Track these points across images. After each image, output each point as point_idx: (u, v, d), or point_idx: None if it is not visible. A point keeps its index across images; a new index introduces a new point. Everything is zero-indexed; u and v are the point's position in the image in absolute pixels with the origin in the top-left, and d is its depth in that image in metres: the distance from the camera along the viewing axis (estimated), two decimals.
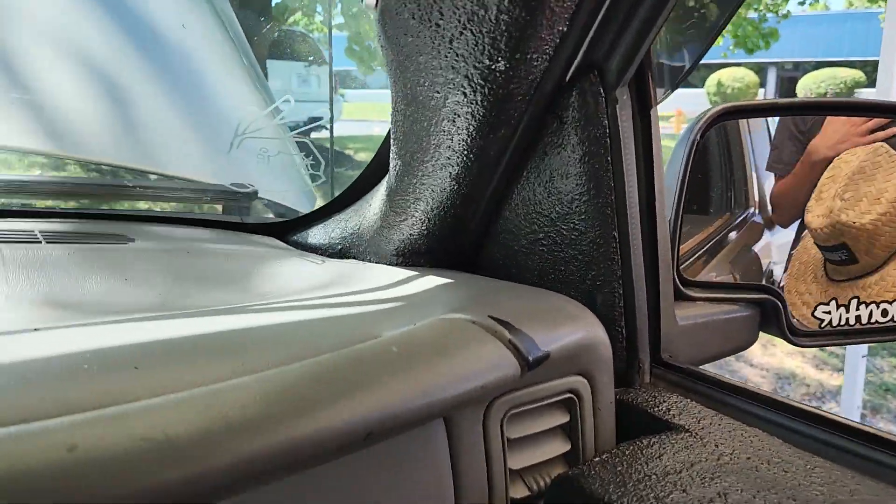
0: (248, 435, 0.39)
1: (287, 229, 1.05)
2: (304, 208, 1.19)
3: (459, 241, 0.79)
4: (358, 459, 0.50)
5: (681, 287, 0.83)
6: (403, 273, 0.76)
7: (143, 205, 1.13)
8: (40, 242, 0.84)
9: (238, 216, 1.12)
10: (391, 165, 0.76)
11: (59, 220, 0.92)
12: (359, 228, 0.88)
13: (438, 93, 0.63)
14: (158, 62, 1.16)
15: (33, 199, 0.95)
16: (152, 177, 1.07)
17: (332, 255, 0.94)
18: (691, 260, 1.01)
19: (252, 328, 0.57)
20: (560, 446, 0.63)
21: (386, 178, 0.80)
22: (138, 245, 0.89)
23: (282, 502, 0.46)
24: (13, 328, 0.55)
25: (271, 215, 1.20)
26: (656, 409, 0.67)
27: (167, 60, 1.18)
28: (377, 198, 0.84)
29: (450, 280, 0.72)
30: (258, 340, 0.54)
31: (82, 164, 1.08)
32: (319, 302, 0.68)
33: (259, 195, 1.12)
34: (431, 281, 0.72)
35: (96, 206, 1.00)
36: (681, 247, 0.89)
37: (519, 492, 0.60)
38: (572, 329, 0.63)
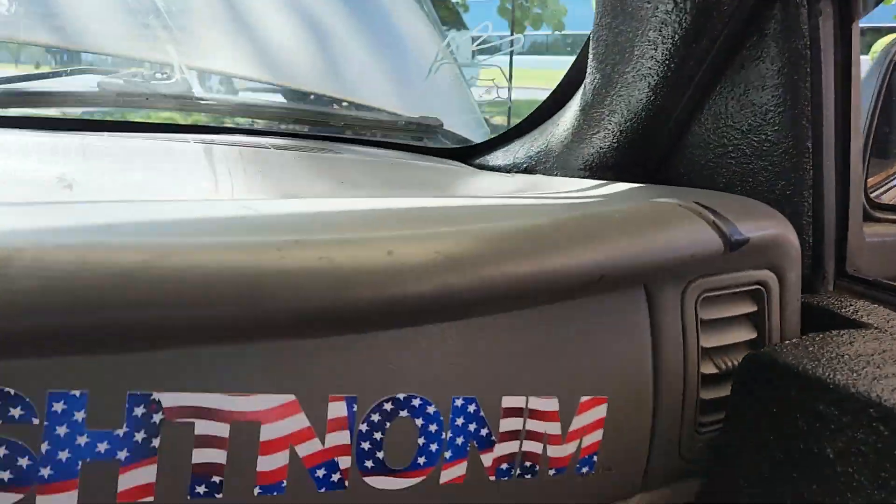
0: (511, 259, 0.47)
1: (469, 154, 1.14)
2: (477, 138, 1.27)
3: (647, 155, 0.84)
4: (577, 310, 0.58)
5: (868, 208, 0.84)
6: (595, 182, 0.83)
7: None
8: (269, 149, 0.97)
9: (421, 143, 1.22)
10: (588, 81, 0.82)
11: (280, 137, 1.06)
12: (546, 146, 0.95)
13: (649, 2, 0.69)
14: (357, 5, 1.29)
15: (259, 119, 1.09)
16: (348, 104, 1.18)
17: (515, 174, 1.01)
18: (876, 194, 1.01)
19: (475, 206, 0.66)
20: (747, 333, 0.68)
21: (579, 95, 0.87)
22: (347, 157, 1.00)
23: (517, 329, 0.55)
24: None
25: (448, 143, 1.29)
26: (842, 310, 0.70)
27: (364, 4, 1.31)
28: (567, 115, 0.90)
29: (641, 185, 0.78)
30: (484, 210, 0.63)
31: (294, 92, 1.22)
32: (522, 199, 0.76)
33: (442, 126, 1.22)
34: (624, 187, 0.78)
35: (309, 130, 1.13)
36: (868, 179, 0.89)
37: (708, 369, 0.66)
38: (766, 224, 0.67)
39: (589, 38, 0.83)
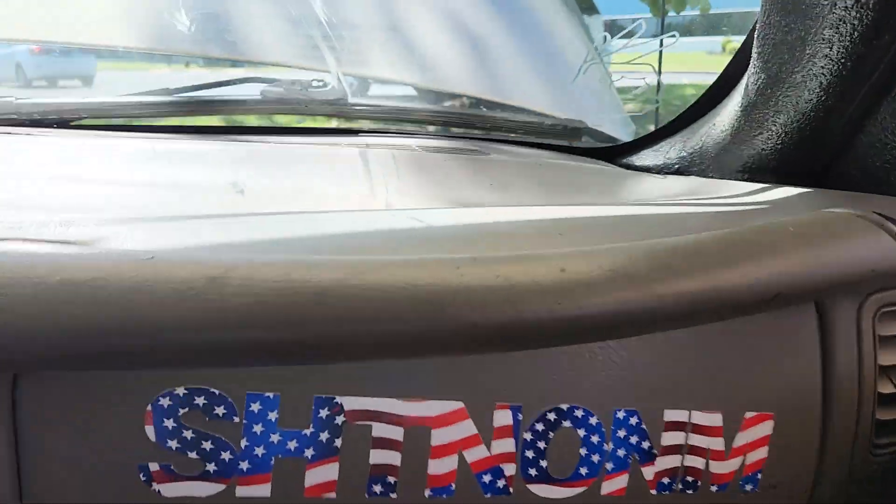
0: (684, 276, 0.47)
1: (616, 153, 1.12)
2: (623, 137, 1.25)
3: (813, 156, 0.80)
4: (742, 325, 0.56)
5: None
6: (758, 186, 0.80)
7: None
8: (418, 151, 1.00)
9: (566, 142, 1.21)
10: (751, 81, 0.79)
11: (426, 137, 1.09)
12: (700, 147, 0.92)
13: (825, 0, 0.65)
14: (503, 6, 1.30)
15: (409, 121, 1.13)
16: (495, 107, 1.20)
17: (667, 174, 0.99)
18: None
19: (641, 214, 0.65)
20: None
21: (738, 94, 0.83)
22: (494, 158, 1.02)
23: (680, 342, 0.54)
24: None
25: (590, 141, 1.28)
26: None
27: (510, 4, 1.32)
28: (725, 115, 0.87)
29: (809, 191, 0.75)
30: (651, 219, 0.62)
31: (440, 94, 1.25)
32: (684, 205, 0.74)
33: (586, 126, 1.20)
34: (791, 192, 0.75)
35: (456, 131, 1.16)
36: None
37: (886, 388, 0.62)
38: None
39: (751, 35, 0.80)
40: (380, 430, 0.49)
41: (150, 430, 0.45)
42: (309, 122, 1.20)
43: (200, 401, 0.46)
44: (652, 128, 1.13)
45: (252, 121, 1.26)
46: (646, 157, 1.05)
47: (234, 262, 0.42)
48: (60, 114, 1.03)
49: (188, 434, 0.46)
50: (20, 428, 0.44)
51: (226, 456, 0.46)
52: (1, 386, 0.43)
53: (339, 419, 0.48)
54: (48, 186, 0.71)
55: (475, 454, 0.51)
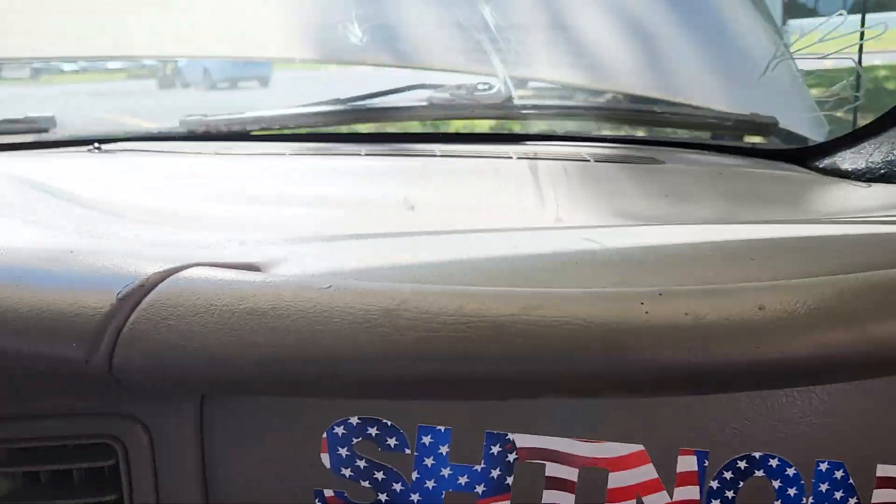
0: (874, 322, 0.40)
1: (808, 155, 1.02)
2: (817, 137, 1.14)
3: None
4: None
5: None
6: None
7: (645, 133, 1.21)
8: (589, 161, 0.96)
9: (751, 144, 1.12)
10: None
11: (598, 144, 1.04)
12: None
13: None
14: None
15: (581, 122, 1.09)
16: (671, 106, 1.13)
17: (870, 181, 0.88)
18: None
19: (846, 235, 0.58)
20: None
21: None
22: (670, 167, 0.95)
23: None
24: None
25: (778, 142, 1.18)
26: None
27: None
28: None
29: None
30: (860, 241, 0.55)
31: (614, 95, 1.20)
32: (893, 222, 0.65)
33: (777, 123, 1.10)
34: None
35: (628, 134, 1.10)
36: None
37: None
38: None
39: None
40: (553, 469, 0.47)
41: (325, 458, 0.46)
42: (474, 127, 1.19)
43: (373, 431, 0.46)
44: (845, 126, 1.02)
45: (417, 127, 1.27)
46: (844, 161, 0.94)
47: (409, 292, 0.41)
48: (243, 125, 1.09)
49: (361, 463, 0.46)
50: (207, 447, 0.46)
51: (397, 487, 0.46)
52: (190, 407, 0.45)
53: (511, 456, 0.46)
54: (229, 203, 0.74)
55: (655, 500, 0.47)
